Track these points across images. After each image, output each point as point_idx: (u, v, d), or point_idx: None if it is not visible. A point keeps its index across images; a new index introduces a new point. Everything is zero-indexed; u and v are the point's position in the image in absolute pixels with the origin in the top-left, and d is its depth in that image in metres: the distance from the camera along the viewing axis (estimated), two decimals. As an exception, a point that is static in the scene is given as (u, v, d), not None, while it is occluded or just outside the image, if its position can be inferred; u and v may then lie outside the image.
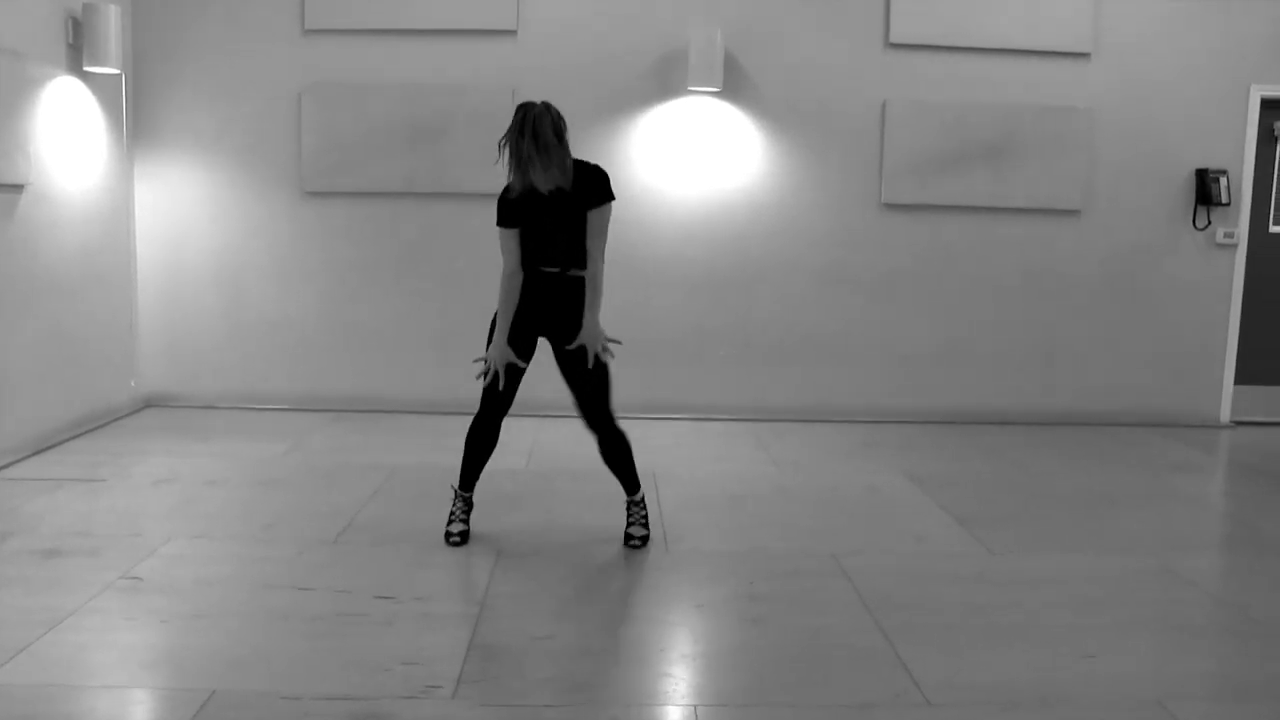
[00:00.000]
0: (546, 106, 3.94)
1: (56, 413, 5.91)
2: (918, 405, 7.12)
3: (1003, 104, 6.88)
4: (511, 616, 3.62)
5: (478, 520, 4.59)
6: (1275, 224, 7.25)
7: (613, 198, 4.12)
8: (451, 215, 6.89)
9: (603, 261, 4.14)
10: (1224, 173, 6.94)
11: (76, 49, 5.95)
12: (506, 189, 4.10)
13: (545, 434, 6.30)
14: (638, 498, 4.46)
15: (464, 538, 4.38)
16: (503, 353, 4.19)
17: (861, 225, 6.98)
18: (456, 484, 4.46)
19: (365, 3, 6.70)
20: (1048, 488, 5.54)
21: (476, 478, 4.45)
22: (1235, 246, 7.09)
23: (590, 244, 4.11)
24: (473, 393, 7.13)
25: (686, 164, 6.85)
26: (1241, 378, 7.25)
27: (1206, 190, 6.94)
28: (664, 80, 6.81)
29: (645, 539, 4.42)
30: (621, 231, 6.60)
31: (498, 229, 4.19)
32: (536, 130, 3.85)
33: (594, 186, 4.08)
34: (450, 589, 3.87)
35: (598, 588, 4.00)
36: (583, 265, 4.15)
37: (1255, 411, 7.29)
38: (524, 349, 4.26)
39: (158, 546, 4.18)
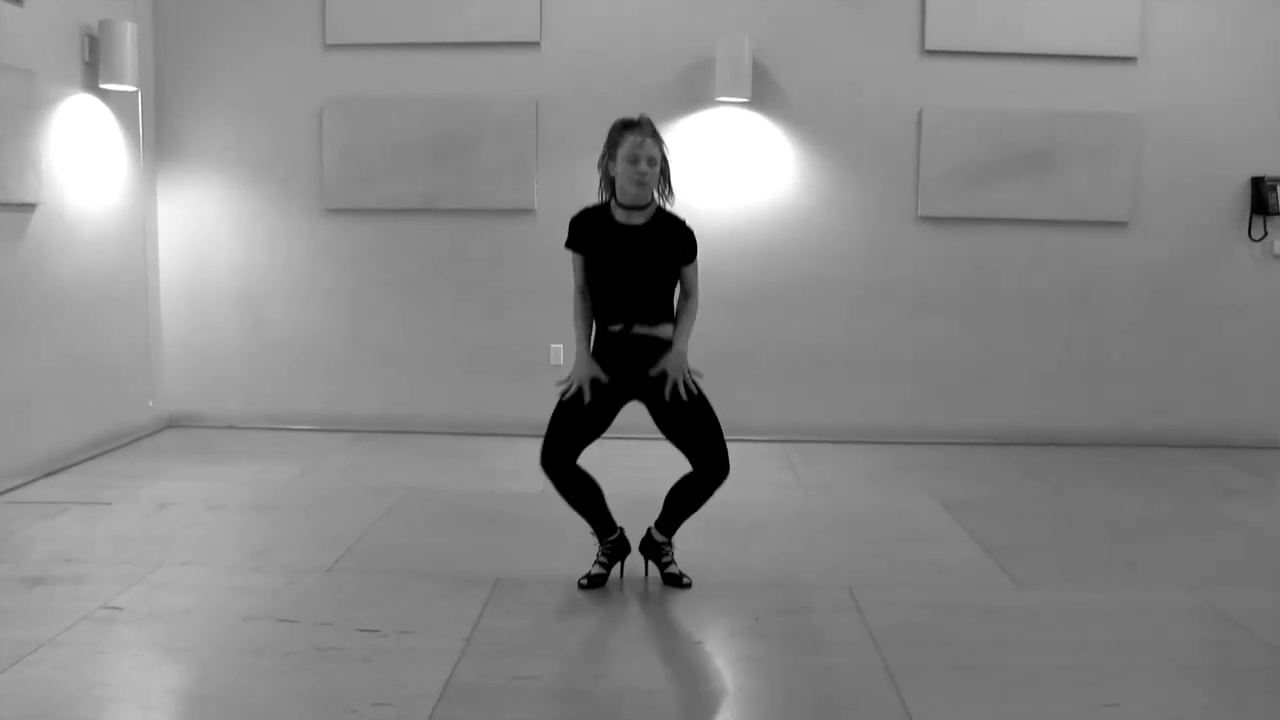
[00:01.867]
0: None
1: (73, 434, 5.85)
2: (956, 425, 6.84)
3: (1045, 111, 6.59)
4: (496, 654, 3.43)
5: (475, 547, 4.44)
6: (1337, 234, 6.88)
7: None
8: (477, 231, 6.76)
9: (698, 304, 4.04)
10: (1281, 181, 6.60)
11: (93, 66, 5.90)
12: (583, 211, 4.01)
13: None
14: (673, 540, 4.15)
15: (594, 582, 4.05)
16: (587, 366, 3.93)
17: (897, 239, 6.73)
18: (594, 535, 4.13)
19: (386, 17, 6.60)
20: (1086, 514, 5.24)
21: (604, 518, 4.06)
22: (1293, 258, 6.75)
23: (688, 285, 4.01)
24: (494, 412, 7.11)
25: (715, 177, 6.65)
26: (1302, 396, 6.88)
27: (1263, 199, 6.59)
28: (691, 91, 6.62)
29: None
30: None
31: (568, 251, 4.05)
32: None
33: (685, 243, 3.96)
34: (438, 622, 3.69)
35: (593, 623, 3.80)
36: (651, 321, 3.92)
37: (1317, 432, 6.92)
38: (600, 403, 3.93)
39: (145, 574, 4.06)
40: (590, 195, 6.58)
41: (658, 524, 4.09)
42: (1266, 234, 6.69)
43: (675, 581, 4.08)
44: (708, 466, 3.90)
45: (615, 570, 4.16)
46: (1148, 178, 6.66)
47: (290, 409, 6.88)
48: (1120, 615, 3.88)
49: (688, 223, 3.98)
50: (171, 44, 6.66)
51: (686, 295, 4.00)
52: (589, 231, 3.96)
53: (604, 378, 3.91)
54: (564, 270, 6.57)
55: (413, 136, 6.64)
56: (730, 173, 6.63)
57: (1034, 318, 6.79)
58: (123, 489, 5.33)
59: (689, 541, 4.23)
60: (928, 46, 6.58)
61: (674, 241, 3.92)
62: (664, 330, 3.94)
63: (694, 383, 3.92)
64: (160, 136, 6.69)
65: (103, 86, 5.95)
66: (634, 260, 3.88)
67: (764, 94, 6.58)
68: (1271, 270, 6.74)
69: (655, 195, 3.93)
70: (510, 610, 3.81)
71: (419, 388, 6.87)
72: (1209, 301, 6.77)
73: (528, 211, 6.72)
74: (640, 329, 3.90)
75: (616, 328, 3.92)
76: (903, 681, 3.25)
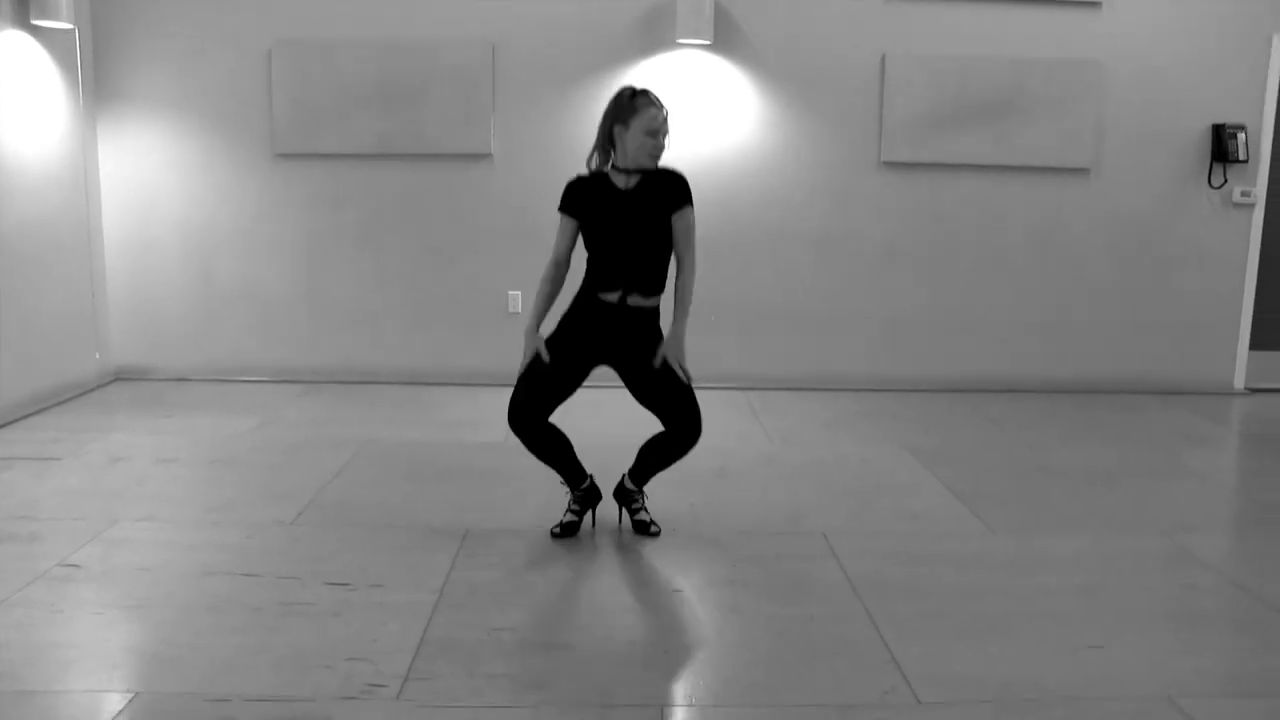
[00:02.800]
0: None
1: (15, 388, 5.64)
2: (918, 374, 6.82)
3: (1008, 57, 6.53)
4: (471, 606, 3.35)
5: (441, 499, 4.34)
6: (1294, 182, 6.92)
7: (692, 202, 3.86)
8: (432, 177, 6.59)
9: (694, 273, 3.87)
10: (1242, 128, 6.59)
11: (23, 1, 5.63)
12: (579, 177, 3.88)
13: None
14: (645, 489, 4.09)
15: (566, 531, 3.99)
16: (531, 340, 3.83)
17: (859, 185, 6.66)
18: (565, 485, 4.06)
19: (337, -46, 6.38)
20: (1053, 461, 5.24)
21: (574, 468, 3.98)
22: (1253, 206, 6.75)
23: (680, 246, 3.84)
24: (452, 361, 6.97)
25: (675, 121, 6.48)
26: (1257, 343, 6.92)
27: (1223, 147, 6.59)
28: (652, 33, 6.48)
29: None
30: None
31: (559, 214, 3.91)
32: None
33: (676, 188, 3.81)
34: (408, 575, 3.59)
35: (567, 573, 3.72)
36: (647, 292, 3.81)
37: (1271, 378, 6.97)
38: (571, 368, 3.82)
39: (101, 531, 3.91)
40: (548, 140, 6.53)
41: (630, 473, 4.03)
42: (1226, 181, 6.70)
43: (644, 529, 4.03)
44: (681, 430, 3.83)
45: (587, 519, 4.09)
46: (1110, 125, 6.63)
47: (241, 361, 6.70)
48: (1094, 560, 3.87)
49: (678, 169, 3.87)
50: (109, -20, 6.39)
51: (681, 265, 3.85)
52: (587, 197, 3.83)
53: (546, 356, 3.80)
54: (521, 215, 6.51)
55: (365, 79, 6.44)
56: (691, 118, 6.49)
57: (995, 265, 6.76)
58: (71, 444, 5.15)
59: (657, 489, 4.15)
60: (892, -10, 6.49)
61: (666, 190, 3.79)
62: (655, 301, 3.84)
63: (685, 370, 3.82)
64: (100, 78, 6.42)
65: (34, 23, 5.67)
66: (633, 222, 3.77)
67: (726, 37, 6.46)
68: (1230, 217, 6.76)
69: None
70: (482, 561, 3.72)
71: (373, 338, 6.71)
72: (1169, 248, 6.78)
73: (484, 156, 6.57)
74: (635, 300, 3.79)
75: (612, 297, 3.79)
76: (885, 628, 3.21)
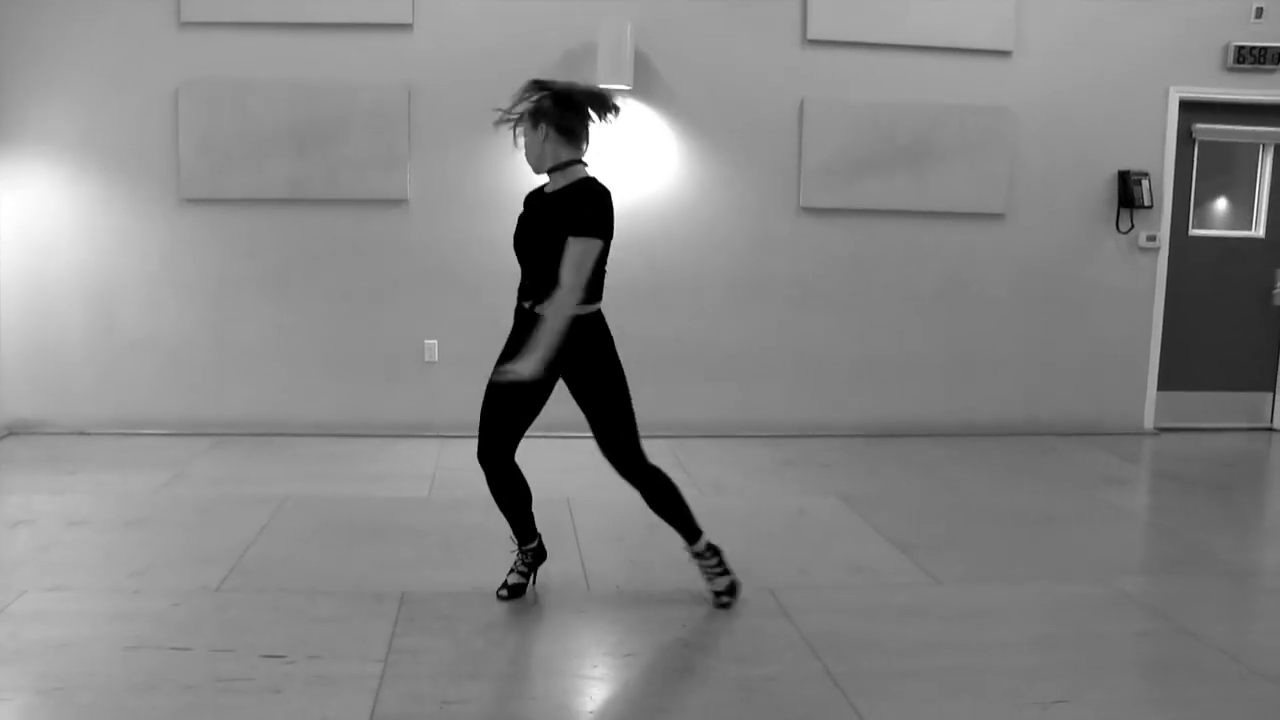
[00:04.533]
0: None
1: (-98, 445, 5.30)
2: (838, 419, 6.82)
3: (924, 103, 6.62)
4: (418, 677, 3.18)
5: (372, 559, 4.17)
6: (1195, 227, 7.11)
7: (596, 234, 3.47)
8: (344, 223, 6.41)
9: (572, 295, 3.44)
10: (1146, 175, 6.78)
11: (-84, 39, 5.36)
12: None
13: (449, 456, 5.86)
14: (700, 547, 3.77)
15: (513, 592, 3.80)
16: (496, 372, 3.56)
17: (778, 230, 6.67)
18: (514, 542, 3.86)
19: (247, -7, 6.20)
20: (981, 506, 5.27)
21: (528, 524, 3.79)
22: (1158, 250, 6.94)
23: (561, 271, 3.45)
24: (369, 412, 6.77)
25: (595, 167, 6.43)
26: (1165, 383, 7.10)
27: (1129, 192, 6.77)
28: (571, 77, 6.28)
29: (733, 589, 3.80)
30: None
31: None
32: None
33: (576, 209, 3.49)
34: (348, 644, 3.41)
35: (513, 639, 3.58)
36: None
37: (1179, 417, 7.14)
38: (530, 390, 3.51)
39: (7, 604, 3.64)
40: (465, 185, 6.41)
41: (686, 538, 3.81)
42: (1133, 226, 6.87)
43: (715, 600, 3.79)
44: (612, 464, 3.71)
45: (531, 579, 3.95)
46: (1022, 171, 6.76)
47: (146, 413, 6.40)
48: (1042, 610, 3.87)
49: (603, 194, 3.55)
50: (7, 13, 6.09)
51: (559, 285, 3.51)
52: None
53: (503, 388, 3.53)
54: (439, 262, 6.37)
55: (276, 122, 6.25)
56: (609, 163, 6.39)
57: (911, 309, 6.82)
58: (-35, 506, 4.85)
59: (591, 548, 4.04)
60: (810, 36, 6.52)
61: (570, 211, 3.53)
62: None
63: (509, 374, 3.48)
64: (-6, 119, 6.15)
65: (-71, 62, 5.40)
66: (538, 227, 3.60)
67: (646, 82, 6.43)
68: (1137, 261, 6.94)
69: (546, 161, 3.63)
70: (424, 627, 3.56)
71: (286, 388, 6.48)
72: (1080, 291, 6.92)
73: (400, 202, 6.41)
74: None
75: (525, 303, 3.64)
76: (849, 688, 3.14)
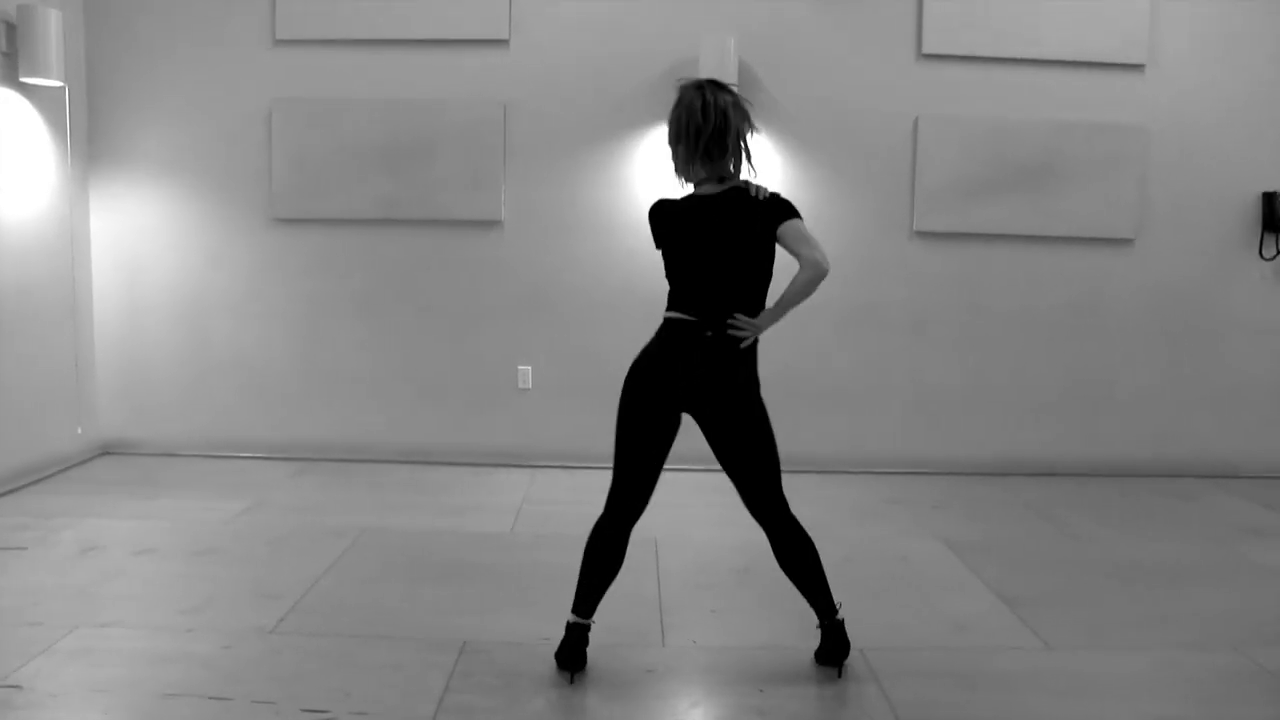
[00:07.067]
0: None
1: (-11, 464, 5.29)
2: (951, 455, 6.41)
3: (1048, 121, 6.19)
4: (464, 741, 2.94)
5: (438, 602, 3.94)
6: (1349, 253, 6.54)
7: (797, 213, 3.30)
8: (438, 244, 6.26)
9: (826, 262, 3.21)
10: (1294, 196, 6.25)
11: (11, 57, 5.34)
12: (662, 199, 3.48)
13: (538, 489, 5.64)
14: (833, 621, 3.45)
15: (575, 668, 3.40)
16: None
17: (890, 255, 6.30)
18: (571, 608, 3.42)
19: (342, 10, 6.09)
20: (1101, 557, 4.82)
21: (594, 602, 3.39)
22: (1306, 278, 6.39)
23: (800, 250, 3.23)
24: (457, 439, 6.59)
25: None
26: (1314, 424, 6.52)
27: (1274, 215, 6.23)
28: (672, 93, 6.13)
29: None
30: (624, 261, 5.98)
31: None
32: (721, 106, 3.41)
33: (769, 199, 3.35)
34: (398, 699, 3.18)
35: (577, 697, 3.30)
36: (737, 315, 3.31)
37: (1328, 461, 6.56)
38: (657, 426, 3.34)
39: (56, 640, 3.52)
40: (562, 207, 6.19)
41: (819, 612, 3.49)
42: (1278, 253, 6.32)
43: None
44: (751, 508, 3.41)
45: (602, 632, 3.65)
46: (1155, 193, 6.28)
47: (234, 435, 6.33)
48: (1166, 683, 3.45)
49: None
50: (104, 35, 6.10)
51: (801, 259, 3.33)
52: (668, 217, 3.58)
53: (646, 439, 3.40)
54: (533, 286, 6.17)
55: (369, 141, 6.13)
56: (712, 183, 6.15)
57: (1033, 340, 6.38)
58: (40, 530, 4.77)
59: (672, 595, 3.73)
60: (925, 50, 6.16)
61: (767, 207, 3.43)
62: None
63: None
64: (92, 138, 6.13)
65: (24, 80, 5.39)
66: (716, 234, 3.45)
67: (750, 97, 6.07)
68: (1282, 290, 6.39)
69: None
70: (480, 683, 3.31)
71: (374, 413, 6.34)
72: (1217, 322, 6.40)
73: (494, 223, 6.23)
74: (716, 330, 3.40)
75: (688, 319, 3.40)
76: (941, 775, 2.79)
